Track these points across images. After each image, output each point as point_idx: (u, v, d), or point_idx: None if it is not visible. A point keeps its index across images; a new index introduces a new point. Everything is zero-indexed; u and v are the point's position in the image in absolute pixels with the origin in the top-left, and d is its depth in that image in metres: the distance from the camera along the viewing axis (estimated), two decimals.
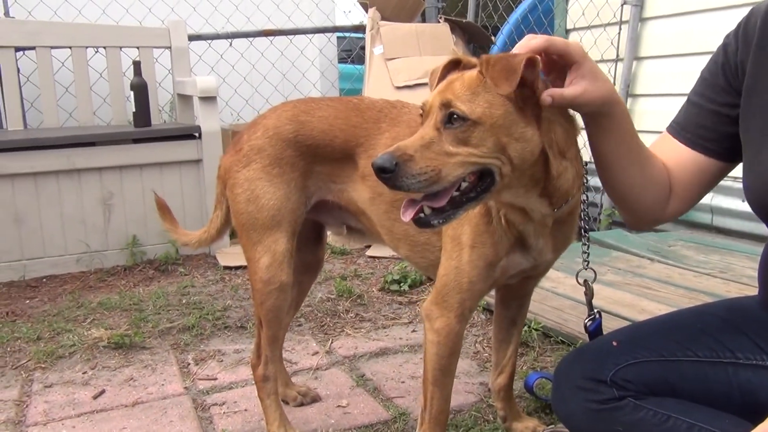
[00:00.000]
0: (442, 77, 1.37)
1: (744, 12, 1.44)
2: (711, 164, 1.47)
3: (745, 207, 3.72)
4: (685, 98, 1.53)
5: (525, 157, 1.29)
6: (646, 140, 1.46)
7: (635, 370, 1.44)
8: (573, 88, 1.27)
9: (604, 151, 1.42)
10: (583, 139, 1.42)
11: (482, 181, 1.29)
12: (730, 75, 1.42)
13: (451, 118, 1.25)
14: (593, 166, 1.47)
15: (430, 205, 1.27)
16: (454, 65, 1.39)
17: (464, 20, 5.19)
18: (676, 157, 1.49)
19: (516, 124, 1.26)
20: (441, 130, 1.26)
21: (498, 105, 1.25)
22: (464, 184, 1.28)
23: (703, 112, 1.47)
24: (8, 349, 2.73)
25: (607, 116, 1.35)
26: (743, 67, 1.39)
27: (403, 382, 2.36)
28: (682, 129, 1.50)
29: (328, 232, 2.15)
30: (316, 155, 1.79)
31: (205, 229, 2.06)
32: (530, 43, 1.26)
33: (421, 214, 1.28)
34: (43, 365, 2.56)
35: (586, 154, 1.48)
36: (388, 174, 1.21)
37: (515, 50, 1.27)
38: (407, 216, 1.28)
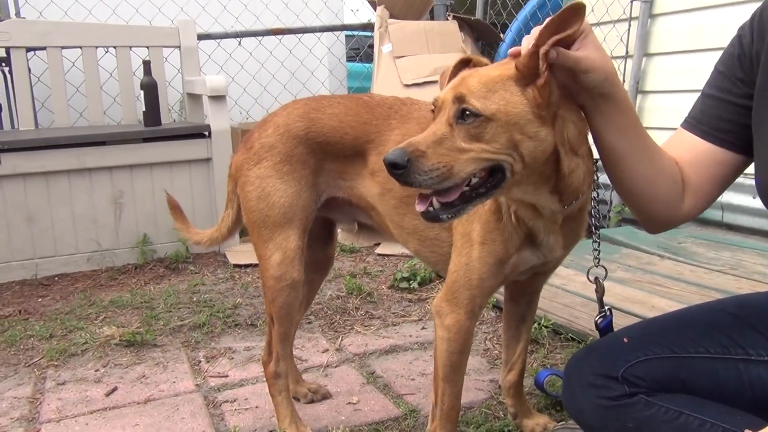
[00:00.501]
0: (453, 76, 1.37)
1: (755, 6, 1.43)
2: (729, 157, 1.45)
3: (755, 204, 3.71)
4: (695, 94, 1.52)
5: (537, 155, 1.28)
6: (657, 138, 1.43)
7: (646, 366, 1.43)
8: (579, 51, 1.23)
9: (608, 141, 1.37)
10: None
11: (493, 177, 1.29)
12: (746, 66, 1.40)
13: (463, 114, 1.24)
14: None
15: (440, 200, 1.27)
16: (465, 64, 1.39)
17: (473, 18, 5.18)
18: (692, 152, 1.47)
19: (531, 123, 1.25)
20: (453, 126, 1.25)
21: (515, 103, 1.24)
22: (474, 180, 1.28)
23: (721, 104, 1.45)
24: (21, 347, 2.76)
25: (608, 97, 1.31)
26: (758, 58, 1.37)
27: (413, 379, 2.36)
28: (698, 123, 1.48)
29: (339, 230, 2.15)
30: (327, 152, 1.80)
31: (217, 228, 2.07)
32: (535, 32, 1.23)
33: (431, 208, 1.28)
34: (55, 363, 2.58)
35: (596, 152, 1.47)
36: (400, 170, 1.21)
37: (523, 49, 1.25)
38: (420, 208, 1.28)
